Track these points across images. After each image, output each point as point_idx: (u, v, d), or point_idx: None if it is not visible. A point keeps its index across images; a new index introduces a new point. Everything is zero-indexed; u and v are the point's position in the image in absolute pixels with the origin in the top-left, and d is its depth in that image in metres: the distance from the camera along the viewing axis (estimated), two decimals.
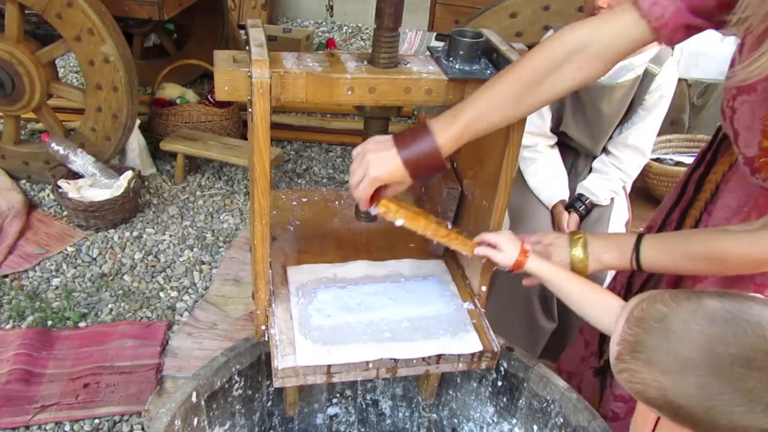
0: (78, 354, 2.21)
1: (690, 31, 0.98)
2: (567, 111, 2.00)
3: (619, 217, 2.08)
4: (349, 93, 1.10)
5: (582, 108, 1.98)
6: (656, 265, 1.14)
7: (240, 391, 1.36)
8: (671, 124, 2.98)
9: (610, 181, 2.03)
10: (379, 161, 1.04)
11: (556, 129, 2.06)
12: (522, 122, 1.12)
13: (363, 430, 1.61)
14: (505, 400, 1.43)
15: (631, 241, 1.15)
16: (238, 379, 1.34)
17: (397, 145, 1.04)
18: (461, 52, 1.13)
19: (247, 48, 1.10)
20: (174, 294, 2.53)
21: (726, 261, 1.04)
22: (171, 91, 3.49)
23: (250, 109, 1.06)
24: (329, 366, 1.17)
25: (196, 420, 1.26)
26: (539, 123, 2.00)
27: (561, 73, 1.01)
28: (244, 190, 3.23)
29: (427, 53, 1.21)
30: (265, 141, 1.06)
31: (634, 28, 0.97)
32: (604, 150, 2.07)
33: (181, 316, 2.42)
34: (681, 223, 1.30)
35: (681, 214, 1.31)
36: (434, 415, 1.58)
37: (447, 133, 1.03)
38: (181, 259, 2.71)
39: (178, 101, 3.43)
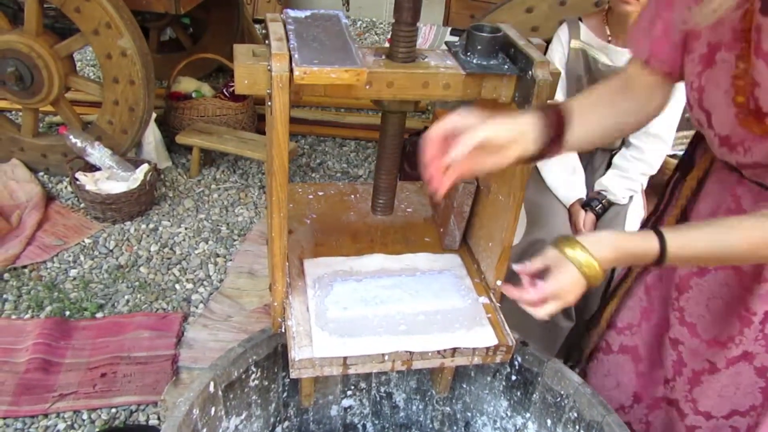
0: (95, 344, 2.24)
1: None
2: None
3: (636, 214, 2.06)
4: (368, 87, 1.11)
5: None
6: (686, 253, 0.97)
7: (256, 382, 1.38)
8: (688, 120, 2.95)
9: (629, 180, 2.00)
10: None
11: None
12: None
13: (377, 422, 1.62)
14: (518, 394, 1.43)
15: (642, 232, 1.01)
16: (254, 369, 1.35)
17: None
18: (479, 47, 1.13)
19: (266, 42, 1.10)
20: (189, 286, 2.55)
21: None
22: (186, 84, 3.51)
23: (269, 103, 1.07)
24: (345, 357, 1.18)
25: (213, 409, 1.28)
26: None
27: None
28: (259, 183, 3.24)
29: (445, 48, 1.21)
30: (284, 134, 1.07)
31: None
32: (624, 143, 2.05)
33: (197, 308, 2.45)
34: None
35: (656, 221, 1.32)
36: (448, 409, 1.59)
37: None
38: (196, 252, 2.74)
39: (193, 95, 3.45)
